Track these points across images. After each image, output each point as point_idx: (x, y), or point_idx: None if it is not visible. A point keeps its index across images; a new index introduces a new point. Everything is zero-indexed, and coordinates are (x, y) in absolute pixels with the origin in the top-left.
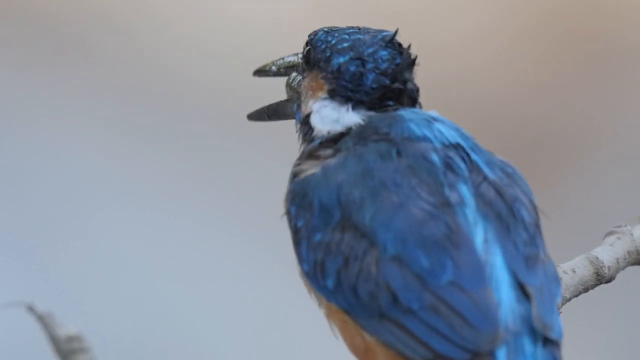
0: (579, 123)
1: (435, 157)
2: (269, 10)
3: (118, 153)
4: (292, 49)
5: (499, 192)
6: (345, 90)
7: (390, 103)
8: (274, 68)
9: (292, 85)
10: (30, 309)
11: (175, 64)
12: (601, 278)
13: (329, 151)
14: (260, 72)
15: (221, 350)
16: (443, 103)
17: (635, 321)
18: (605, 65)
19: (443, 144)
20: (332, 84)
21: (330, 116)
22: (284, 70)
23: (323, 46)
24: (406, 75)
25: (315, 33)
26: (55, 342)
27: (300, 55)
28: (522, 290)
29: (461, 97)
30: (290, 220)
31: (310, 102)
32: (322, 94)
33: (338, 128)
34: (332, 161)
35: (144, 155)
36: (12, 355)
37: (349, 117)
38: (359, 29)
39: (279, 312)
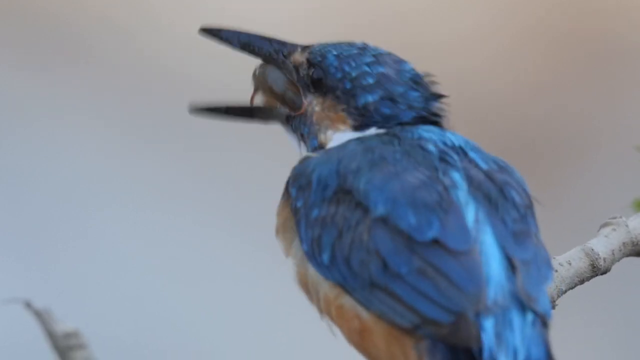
0: (577, 121)
1: (432, 148)
2: (269, 10)
3: (118, 153)
4: None
5: (489, 177)
6: (375, 124)
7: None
8: (235, 44)
9: (259, 78)
10: (28, 306)
11: (175, 64)
12: (597, 270)
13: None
14: (212, 32)
15: (220, 350)
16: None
17: (630, 312)
18: (604, 65)
19: (445, 143)
20: (358, 121)
21: (341, 138)
22: (246, 49)
23: (339, 75)
24: (433, 103)
25: (321, 54)
26: (53, 338)
27: (296, 73)
28: (511, 265)
29: (461, 97)
30: (290, 204)
31: (330, 132)
32: (344, 127)
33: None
34: (334, 147)
35: (144, 155)
36: (11, 351)
37: (370, 132)
38: (374, 56)
39: (279, 312)
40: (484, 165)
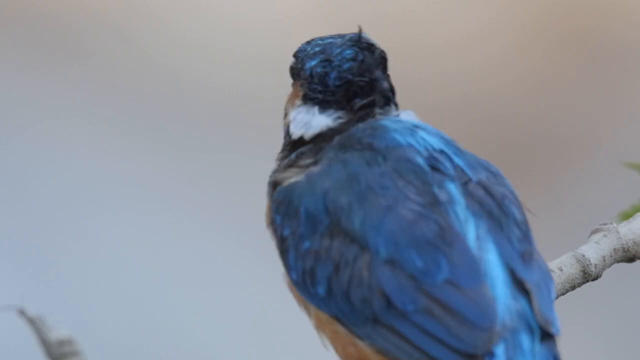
0: (579, 123)
1: (420, 160)
2: (269, 11)
3: (117, 155)
4: (291, 49)
5: (487, 190)
6: (314, 93)
7: (359, 100)
8: None
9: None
10: (22, 313)
11: (176, 65)
12: (588, 276)
13: (309, 160)
14: None
15: (220, 354)
16: (442, 103)
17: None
18: (603, 66)
19: (427, 149)
20: (305, 89)
21: (302, 120)
22: None
23: (301, 55)
24: (375, 73)
25: (301, 46)
26: (47, 345)
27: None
28: (520, 286)
29: (460, 97)
30: (275, 230)
31: (290, 111)
32: (298, 100)
33: (309, 132)
34: (315, 169)
35: (144, 157)
36: (6, 357)
37: (318, 120)
38: (340, 35)
39: (279, 317)
40: (475, 176)
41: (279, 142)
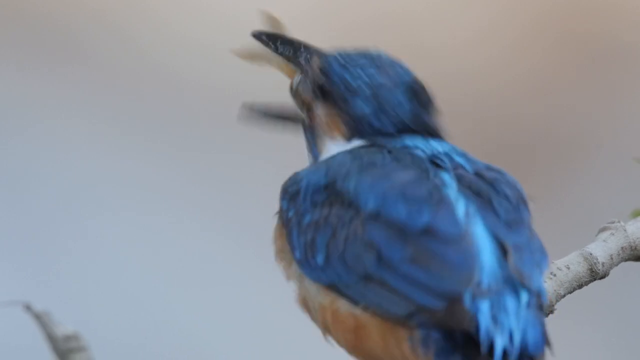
0: (579, 123)
1: (421, 154)
2: (269, 11)
3: (117, 155)
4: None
5: (479, 175)
6: (364, 135)
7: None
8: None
9: (299, 92)
10: (28, 308)
11: (176, 65)
12: (595, 274)
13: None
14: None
15: (221, 353)
16: (442, 104)
17: (628, 317)
18: (604, 67)
19: (432, 151)
20: (353, 131)
21: (343, 148)
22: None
23: (340, 84)
24: (424, 117)
25: (328, 61)
26: (53, 341)
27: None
28: (503, 251)
29: (460, 98)
30: (282, 217)
31: (328, 142)
32: (340, 136)
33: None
34: (323, 159)
35: (144, 157)
36: (11, 354)
37: (355, 143)
38: (378, 67)
39: (279, 316)
40: (470, 167)
41: (279, 142)
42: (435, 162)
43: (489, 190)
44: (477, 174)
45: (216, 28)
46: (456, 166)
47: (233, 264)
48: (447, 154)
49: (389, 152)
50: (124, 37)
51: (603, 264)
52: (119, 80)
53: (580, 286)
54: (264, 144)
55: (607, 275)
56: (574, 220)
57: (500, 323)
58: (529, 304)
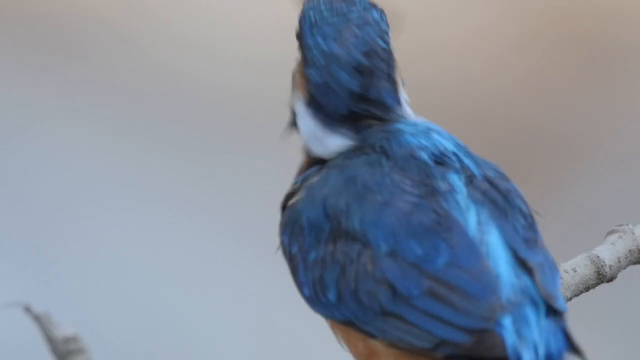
0: (580, 123)
1: (425, 156)
2: (269, 11)
3: (117, 155)
4: (290, 50)
5: (492, 184)
6: (320, 110)
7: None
8: None
9: None
10: (28, 310)
11: (176, 65)
12: (602, 277)
13: (314, 169)
14: None
15: (221, 353)
16: (442, 104)
17: (636, 320)
18: (603, 66)
19: (438, 149)
20: (312, 99)
21: (314, 134)
22: None
23: (304, 44)
24: (386, 96)
25: (303, 14)
26: (53, 343)
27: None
28: (523, 265)
29: (460, 98)
30: (285, 252)
31: (295, 99)
32: (303, 99)
33: (327, 152)
34: (314, 179)
35: (144, 157)
36: (10, 356)
37: (334, 141)
38: (342, 27)
39: (279, 317)
40: (480, 172)
41: (281, 145)
42: (443, 161)
43: (504, 203)
44: (490, 181)
45: (216, 28)
46: (465, 168)
47: (233, 264)
48: (454, 153)
49: (388, 159)
50: (124, 37)
51: (611, 267)
52: (119, 80)
53: (587, 289)
54: (264, 144)
55: (615, 278)
56: (574, 220)
57: (525, 337)
58: (548, 315)
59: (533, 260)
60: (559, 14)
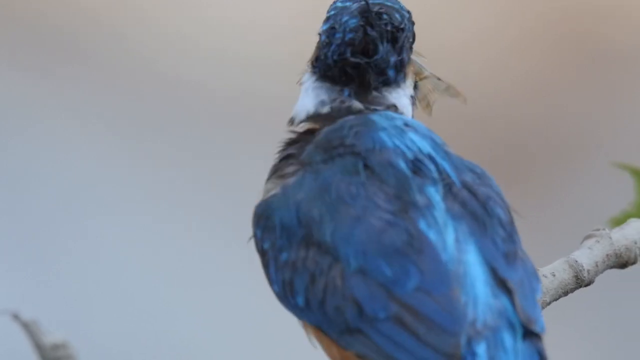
0: (579, 124)
1: (402, 164)
2: (269, 11)
3: (118, 155)
4: (290, 50)
5: (471, 192)
6: (317, 63)
7: (349, 88)
8: None
9: None
10: (16, 317)
11: (176, 66)
12: (580, 281)
13: (291, 168)
14: None
15: (221, 354)
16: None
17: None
18: (603, 67)
19: (413, 152)
20: (316, 52)
21: (303, 88)
22: None
23: (330, 11)
24: (379, 48)
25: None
26: (41, 350)
27: None
28: (502, 285)
29: (459, 100)
30: (256, 244)
31: (304, 73)
32: (309, 63)
33: (302, 109)
34: (290, 180)
35: (144, 157)
36: (7, 357)
37: (312, 95)
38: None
39: (279, 317)
40: (458, 177)
41: (279, 143)
42: (420, 169)
43: (483, 213)
44: (468, 188)
45: (216, 29)
46: (442, 174)
47: (233, 265)
48: (429, 156)
49: (365, 165)
50: (124, 37)
51: (588, 271)
52: (119, 80)
53: (565, 293)
54: (264, 144)
55: (593, 282)
56: (574, 220)
57: None
58: (524, 337)
59: (512, 278)
60: (557, 15)
